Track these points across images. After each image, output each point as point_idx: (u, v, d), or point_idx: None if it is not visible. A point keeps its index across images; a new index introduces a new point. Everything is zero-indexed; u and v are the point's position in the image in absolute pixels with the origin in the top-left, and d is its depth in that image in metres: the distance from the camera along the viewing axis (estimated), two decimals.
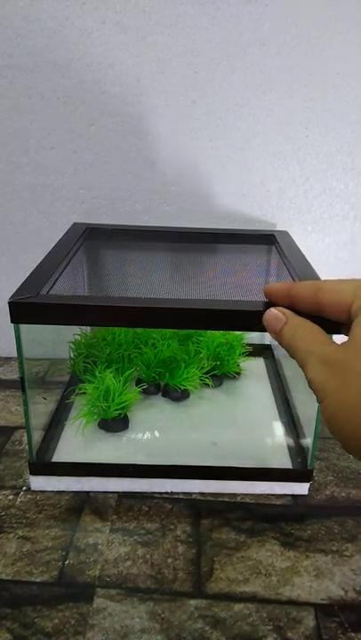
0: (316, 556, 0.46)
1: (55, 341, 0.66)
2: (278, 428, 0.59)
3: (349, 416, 0.28)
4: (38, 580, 0.43)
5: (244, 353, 0.66)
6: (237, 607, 0.42)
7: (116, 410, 0.56)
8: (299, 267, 0.54)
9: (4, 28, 0.60)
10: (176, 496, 0.52)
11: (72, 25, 0.60)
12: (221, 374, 0.66)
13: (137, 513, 0.50)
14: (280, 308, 0.36)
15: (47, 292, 0.45)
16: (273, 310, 0.36)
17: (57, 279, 0.48)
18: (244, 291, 0.53)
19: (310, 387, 0.31)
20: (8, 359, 0.76)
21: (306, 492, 0.53)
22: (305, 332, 0.33)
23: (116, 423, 0.57)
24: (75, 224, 0.66)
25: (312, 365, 0.30)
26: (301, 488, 0.53)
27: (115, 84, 0.63)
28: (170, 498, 0.52)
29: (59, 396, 0.62)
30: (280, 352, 0.72)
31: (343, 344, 0.30)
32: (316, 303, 0.34)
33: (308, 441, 0.53)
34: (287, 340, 0.34)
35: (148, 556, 0.46)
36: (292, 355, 0.33)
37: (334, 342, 0.31)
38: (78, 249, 0.58)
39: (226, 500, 0.52)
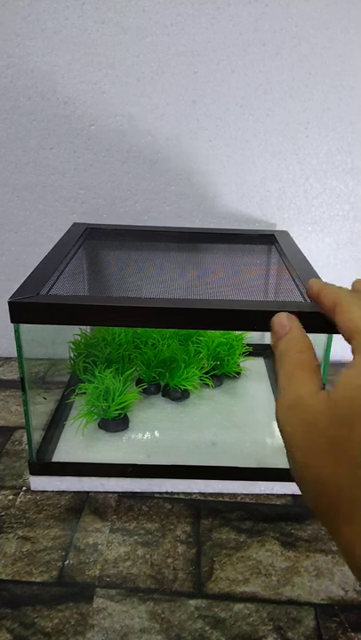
0: (316, 556, 0.46)
1: (55, 341, 0.66)
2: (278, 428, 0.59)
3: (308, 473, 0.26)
4: (38, 580, 0.43)
5: (244, 353, 0.66)
6: (237, 607, 0.42)
7: (116, 410, 0.56)
8: (299, 267, 0.54)
9: (4, 28, 0.60)
10: (176, 496, 0.52)
11: (72, 25, 0.60)
12: (221, 374, 0.66)
13: (137, 513, 0.50)
14: (290, 316, 0.35)
15: (47, 292, 0.45)
16: (282, 316, 0.35)
17: (57, 279, 0.48)
18: (244, 291, 0.53)
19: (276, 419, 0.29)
20: (8, 359, 0.76)
21: None
22: (294, 358, 0.31)
23: (116, 423, 0.57)
24: (75, 224, 0.66)
25: (280, 404, 0.29)
26: None
27: (115, 84, 0.63)
28: (170, 498, 0.52)
29: (59, 396, 0.62)
30: None
31: (325, 396, 0.27)
32: (332, 316, 0.33)
33: None
34: (277, 353, 0.33)
35: (147, 556, 0.46)
36: (276, 371, 0.32)
37: (316, 384, 0.29)
38: (78, 249, 0.58)
39: (226, 499, 0.52)
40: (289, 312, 0.36)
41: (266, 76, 0.62)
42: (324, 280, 0.50)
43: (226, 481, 0.52)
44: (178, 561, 0.45)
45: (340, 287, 0.35)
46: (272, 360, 0.72)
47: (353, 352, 0.29)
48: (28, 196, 0.68)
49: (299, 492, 0.52)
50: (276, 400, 0.30)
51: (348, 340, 0.30)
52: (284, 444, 0.28)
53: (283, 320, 0.34)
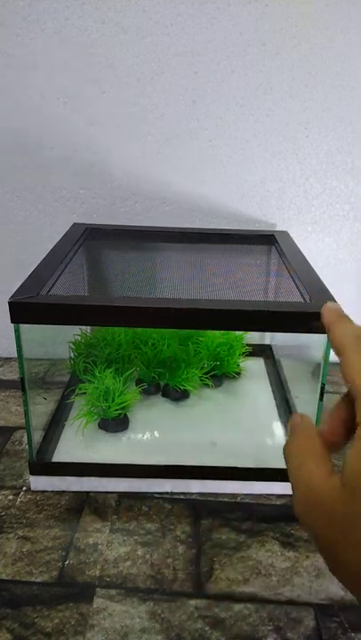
0: (316, 557, 0.46)
1: (55, 341, 0.66)
2: (278, 428, 0.59)
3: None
4: (38, 579, 0.43)
5: (244, 353, 0.66)
6: (237, 607, 0.42)
7: (116, 410, 0.56)
8: (299, 267, 0.54)
9: (4, 28, 0.60)
10: (176, 496, 0.52)
11: (72, 25, 0.60)
12: (221, 374, 0.66)
13: (137, 513, 0.50)
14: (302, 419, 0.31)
15: (47, 292, 0.45)
16: (296, 417, 0.31)
17: (57, 279, 0.48)
18: (244, 291, 0.53)
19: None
20: (8, 359, 0.76)
21: None
22: (300, 447, 0.29)
23: (116, 423, 0.57)
24: (75, 224, 0.66)
25: (296, 501, 0.27)
26: None
27: (115, 84, 0.63)
28: (170, 498, 0.52)
29: (59, 396, 0.62)
30: (280, 352, 0.72)
31: (337, 481, 0.26)
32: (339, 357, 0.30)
33: None
34: (285, 454, 0.30)
35: (147, 557, 0.46)
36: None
37: (326, 469, 0.27)
38: (78, 249, 0.58)
39: (226, 500, 0.52)
40: None
41: (266, 76, 0.62)
42: (324, 281, 0.50)
43: (226, 481, 0.52)
44: (178, 561, 0.45)
45: (350, 327, 0.31)
46: (272, 360, 0.72)
47: (357, 423, 0.26)
48: (28, 196, 0.68)
49: None
50: (293, 499, 0.28)
51: (353, 398, 0.28)
52: (315, 543, 0.27)
53: (296, 418, 0.31)
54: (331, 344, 0.32)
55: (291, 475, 0.29)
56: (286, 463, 0.30)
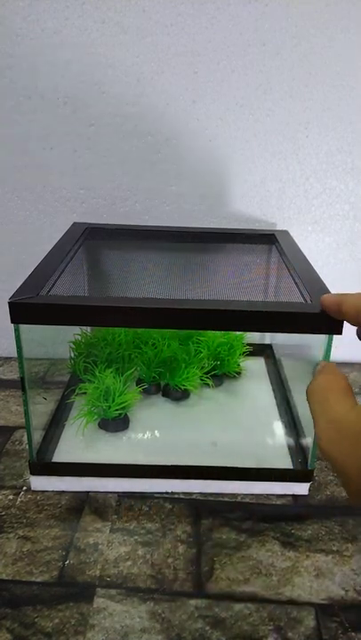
0: (316, 556, 0.46)
1: (55, 341, 0.66)
2: (278, 428, 0.59)
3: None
4: (38, 579, 0.43)
5: (244, 353, 0.66)
6: (238, 607, 0.42)
7: (117, 410, 0.56)
8: (299, 266, 0.54)
9: (4, 28, 0.60)
10: (176, 496, 0.52)
11: (72, 25, 0.60)
12: (222, 374, 0.66)
13: (137, 513, 0.50)
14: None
15: (47, 292, 0.45)
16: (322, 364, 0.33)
17: (57, 279, 0.48)
18: (244, 291, 0.53)
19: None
20: (8, 359, 0.76)
21: (306, 492, 0.53)
22: (322, 384, 0.30)
23: (116, 423, 0.57)
24: (75, 224, 0.66)
25: (320, 436, 0.28)
26: (302, 488, 0.53)
27: (115, 84, 0.63)
28: (170, 498, 0.52)
29: (59, 396, 0.62)
30: (280, 352, 0.73)
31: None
32: (358, 324, 0.32)
33: (308, 441, 0.53)
34: (308, 392, 0.31)
35: (148, 556, 0.46)
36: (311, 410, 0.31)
37: (349, 402, 0.28)
38: (78, 249, 0.58)
39: (226, 499, 0.52)
40: None
41: (266, 76, 0.62)
42: (324, 280, 0.50)
43: (226, 481, 0.52)
44: (178, 561, 0.45)
45: (356, 295, 0.34)
46: (272, 360, 0.72)
47: None
48: (28, 196, 0.68)
49: (299, 492, 0.53)
50: (315, 426, 0.29)
51: None
52: (339, 475, 0.27)
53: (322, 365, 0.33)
54: (345, 313, 0.33)
55: (315, 410, 0.29)
56: (310, 401, 0.30)
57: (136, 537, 0.47)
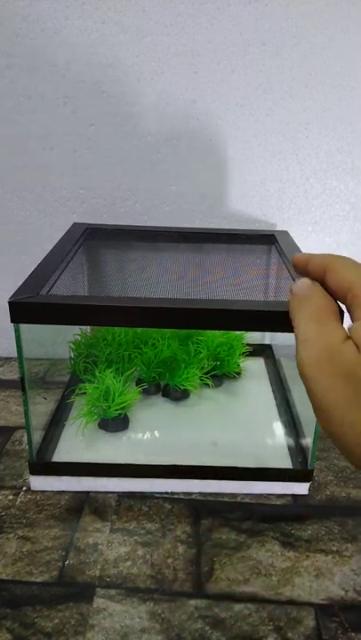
0: (316, 556, 0.46)
1: (55, 341, 0.66)
2: (278, 428, 0.59)
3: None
4: (38, 580, 0.43)
5: (244, 353, 0.66)
6: (237, 607, 0.42)
7: (116, 410, 0.56)
8: None
9: (3, 28, 0.60)
10: (176, 496, 0.52)
11: (72, 25, 0.60)
12: (221, 374, 0.66)
13: (137, 513, 0.50)
14: (314, 284, 0.33)
15: (47, 292, 0.45)
16: (307, 281, 0.33)
17: (57, 279, 0.48)
18: (244, 291, 0.53)
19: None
20: (8, 359, 0.76)
21: (306, 492, 0.53)
22: (318, 303, 0.30)
23: (116, 423, 0.57)
24: (75, 224, 0.66)
25: (308, 356, 0.27)
26: (301, 488, 0.53)
27: (115, 84, 0.63)
28: (170, 498, 0.52)
29: (59, 396, 0.62)
30: (280, 352, 0.72)
31: (355, 347, 0.27)
32: (322, 281, 0.32)
33: (308, 441, 0.53)
34: (296, 300, 0.31)
35: (148, 556, 0.46)
36: (293, 319, 0.31)
37: (345, 332, 0.28)
38: (78, 249, 0.58)
39: (226, 499, 0.52)
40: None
41: (266, 76, 0.62)
42: None
43: (226, 481, 0.52)
44: (178, 561, 0.45)
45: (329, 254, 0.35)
46: (272, 360, 0.72)
47: (350, 310, 0.28)
48: (28, 196, 0.68)
49: (299, 492, 0.53)
50: (299, 353, 0.28)
51: (343, 299, 0.30)
52: (316, 403, 0.26)
53: (307, 280, 0.33)
54: (311, 270, 0.34)
55: (303, 330, 0.29)
56: (295, 315, 0.30)
57: (136, 537, 0.47)
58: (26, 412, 0.49)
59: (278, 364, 0.71)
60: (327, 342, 0.27)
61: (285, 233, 0.67)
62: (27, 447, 0.51)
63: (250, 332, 0.70)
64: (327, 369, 0.26)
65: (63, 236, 0.61)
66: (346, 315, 0.31)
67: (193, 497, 0.52)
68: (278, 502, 0.52)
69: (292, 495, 0.53)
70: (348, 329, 0.27)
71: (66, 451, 0.54)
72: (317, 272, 0.33)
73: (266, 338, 0.76)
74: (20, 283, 0.46)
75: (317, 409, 0.27)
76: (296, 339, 0.29)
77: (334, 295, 0.31)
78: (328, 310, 0.29)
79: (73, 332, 0.64)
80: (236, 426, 0.60)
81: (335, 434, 0.26)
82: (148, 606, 0.41)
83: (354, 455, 0.25)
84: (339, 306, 0.31)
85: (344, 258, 0.32)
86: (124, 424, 0.57)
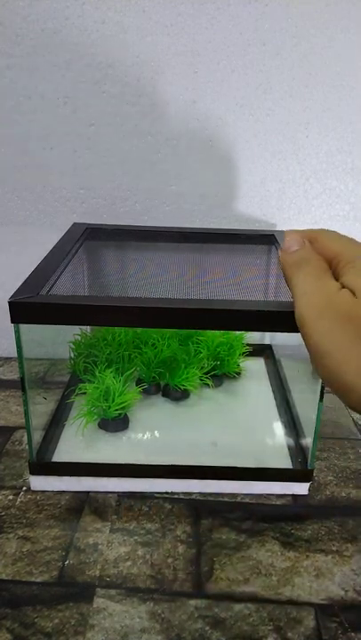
0: (316, 556, 0.46)
1: (55, 341, 0.66)
2: (278, 428, 0.59)
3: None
4: (38, 580, 0.43)
5: (244, 353, 0.66)
6: (237, 607, 0.42)
7: (116, 410, 0.56)
8: None
9: (3, 28, 0.60)
10: (176, 496, 0.52)
11: (72, 25, 0.60)
12: (221, 374, 0.66)
13: (137, 513, 0.50)
14: (303, 233, 0.35)
15: (47, 292, 0.45)
16: (294, 233, 0.35)
17: (57, 279, 0.48)
18: (244, 290, 0.53)
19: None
20: (8, 359, 0.76)
21: (306, 492, 0.53)
22: (317, 264, 0.32)
23: (116, 423, 0.57)
24: (75, 224, 0.66)
25: (308, 306, 0.30)
26: (301, 488, 0.53)
27: (115, 84, 0.63)
28: (170, 498, 0.52)
29: (59, 396, 0.62)
30: (280, 352, 0.72)
31: (350, 293, 0.29)
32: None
33: (308, 441, 0.53)
34: (293, 260, 0.33)
35: (148, 556, 0.46)
36: (289, 277, 0.32)
37: (338, 284, 0.30)
38: (78, 249, 0.58)
39: (226, 499, 0.52)
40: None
41: (266, 76, 0.62)
42: None
43: (226, 481, 0.52)
44: (178, 561, 0.45)
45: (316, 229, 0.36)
46: (272, 360, 0.72)
47: (335, 275, 0.30)
48: (27, 196, 0.68)
49: (299, 492, 0.53)
50: (298, 307, 0.30)
51: (332, 269, 0.31)
52: (316, 349, 0.28)
53: (295, 235, 0.34)
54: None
55: (302, 284, 0.31)
56: (292, 273, 0.32)
57: (136, 537, 0.47)
58: (26, 412, 0.49)
59: (278, 364, 0.71)
60: (325, 292, 0.29)
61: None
62: (27, 447, 0.51)
63: (250, 332, 0.70)
64: (327, 314, 0.28)
65: (63, 236, 0.61)
66: None
67: (193, 497, 0.52)
68: (278, 502, 0.52)
69: (292, 495, 0.53)
70: (340, 282, 0.30)
71: (66, 451, 0.54)
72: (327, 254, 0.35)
73: (266, 338, 0.76)
74: (20, 283, 0.46)
75: (317, 354, 0.28)
76: (294, 295, 0.31)
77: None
78: (323, 268, 0.32)
79: (73, 332, 0.64)
80: (236, 426, 0.60)
81: (335, 374, 0.27)
82: (148, 606, 0.41)
83: (354, 393, 0.26)
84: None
85: (329, 230, 0.34)
86: (124, 424, 0.57)
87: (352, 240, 0.33)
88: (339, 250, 0.32)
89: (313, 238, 0.34)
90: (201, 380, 0.62)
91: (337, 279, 0.31)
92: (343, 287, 0.29)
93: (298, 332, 0.45)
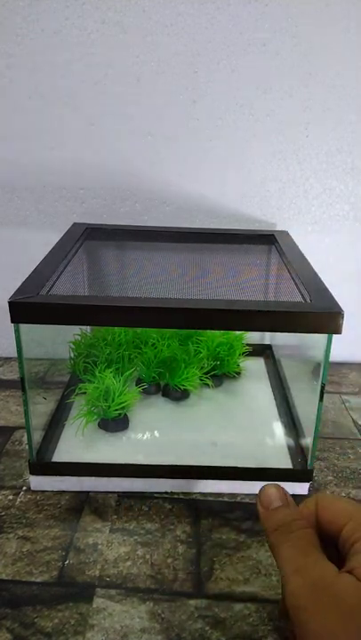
0: None
1: (55, 341, 0.66)
2: (278, 428, 0.59)
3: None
4: (38, 580, 0.43)
5: (244, 353, 0.66)
6: (237, 607, 0.42)
7: (116, 410, 0.56)
8: (299, 267, 0.54)
9: (4, 28, 0.60)
10: (176, 496, 0.52)
11: (72, 25, 0.60)
12: (221, 374, 0.66)
13: (137, 513, 0.50)
14: (279, 487, 0.33)
15: (47, 292, 0.45)
16: (270, 488, 0.33)
17: (57, 279, 0.48)
18: (243, 291, 0.53)
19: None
20: (8, 359, 0.76)
21: (306, 492, 0.53)
22: (301, 534, 0.29)
23: (116, 423, 0.57)
24: (75, 224, 0.66)
25: (299, 586, 0.26)
26: (301, 488, 0.53)
27: (115, 84, 0.63)
28: (170, 498, 0.52)
29: (59, 396, 0.62)
30: (280, 352, 0.73)
31: (352, 579, 0.26)
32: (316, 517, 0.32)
33: (308, 441, 0.53)
34: (273, 526, 0.30)
35: (147, 556, 0.46)
36: (276, 547, 0.30)
37: (332, 565, 0.27)
38: (78, 249, 0.58)
39: (226, 499, 0.52)
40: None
41: (266, 76, 0.63)
42: (324, 281, 0.50)
43: (226, 481, 0.52)
44: (178, 561, 0.45)
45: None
46: (272, 360, 0.72)
47: (353, 539, 0.28)
48: (27, 196, 0.68)
49: (299, 492, 0.53)
50: (291, 584, 0.27)
51: (338, 529, 0.29)
52: (308, 634, 0.25)
53: (275, 492, 0.33)
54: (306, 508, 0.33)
55: (291, 560, 0.28)
56: (278, 542, 0.29)
57: (136, 537, 0.47)
58: (26, 412, 0.49)
59: (278, 364, 0.71)
60: (320, 574, 0.27)
61: (285, 233, 0.67)
62: (27, 447, 0.51)
63: (250, 332, 0.70)
64: (322, 603, 0.25)
65: (63, 236, 0.61)
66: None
67: (193, 497, 0.52)
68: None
69: (293, 495, 0.53)
70: (351, 569, 0.27)
71: (66, 451, 0.54)
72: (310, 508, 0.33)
73: (266, 338, 0.76)
74: (20, 283, 0.46)
75: (305, 636, 0.26)
76: (282, 569, 0.28)
77: (327, 526, 0.31)
78: (310, 541, 0.29)
79: (73, 332, 0.64)
80: (236, 426, 0.60)
81: None
82: (148, 606, 0.41)
83: None
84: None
85: (328, 496, 0.33)
86: (124, 424, 0.57)
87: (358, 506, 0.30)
88: (352, 510, 0.29)
89: (318, 502, 0.31)
90: (201, 379, 0.62)
91: (345, 553, 0.28)
92: (345, 570, 0.26)
93: (297, 331, 0.45)
